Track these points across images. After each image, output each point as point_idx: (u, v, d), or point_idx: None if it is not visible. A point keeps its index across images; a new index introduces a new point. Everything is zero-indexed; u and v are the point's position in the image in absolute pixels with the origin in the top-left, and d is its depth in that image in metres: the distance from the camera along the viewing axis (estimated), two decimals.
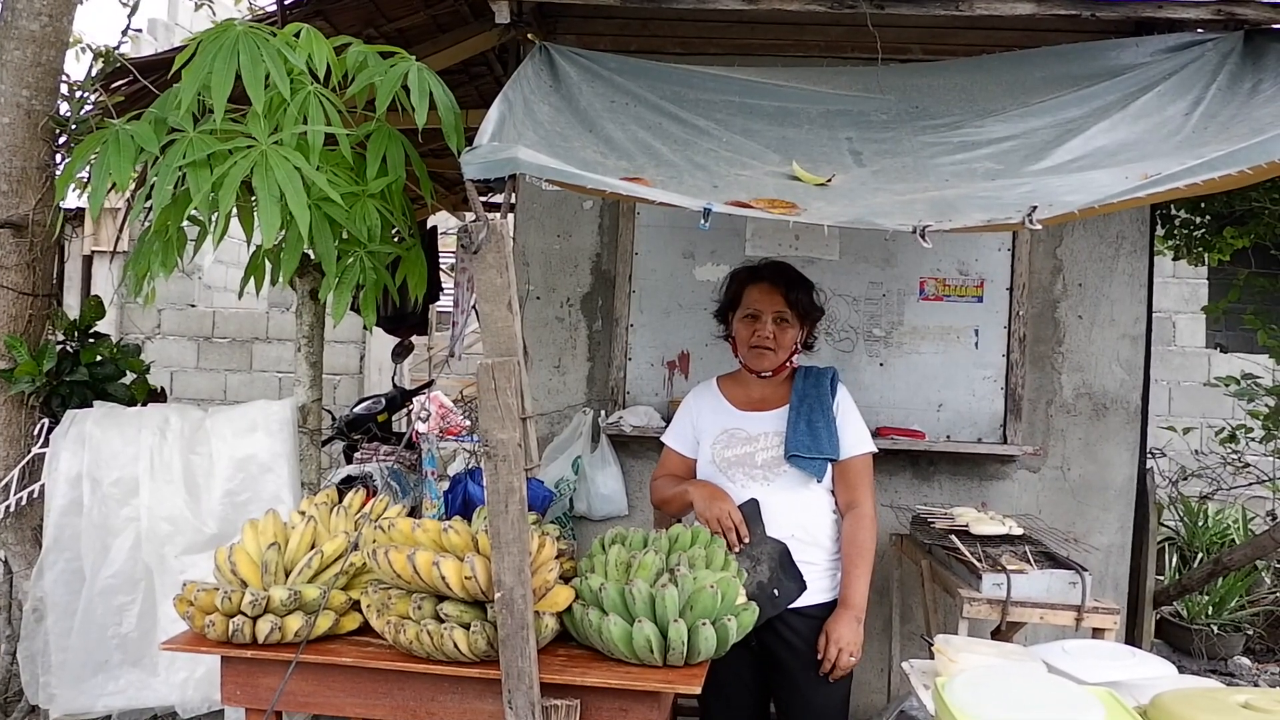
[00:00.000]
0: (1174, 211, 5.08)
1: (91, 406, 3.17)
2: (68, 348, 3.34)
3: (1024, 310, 3.88)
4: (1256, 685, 5.27)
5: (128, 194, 2.79)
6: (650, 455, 4.04)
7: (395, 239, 2.98)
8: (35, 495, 3.12)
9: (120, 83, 3.36)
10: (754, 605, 2.30)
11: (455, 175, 5.71)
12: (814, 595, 2.68)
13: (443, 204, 6.41)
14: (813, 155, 2.57)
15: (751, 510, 2.65)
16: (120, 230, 4.25)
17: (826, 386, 2.78)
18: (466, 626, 2.14)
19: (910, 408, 3.89)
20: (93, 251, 8.33)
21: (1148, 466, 4.06)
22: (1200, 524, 6.42)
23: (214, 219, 2.57)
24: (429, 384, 6.82)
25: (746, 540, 2.59)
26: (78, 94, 3.21)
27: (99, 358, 3.36)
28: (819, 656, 2.63)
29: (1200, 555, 6.16)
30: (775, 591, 2.58)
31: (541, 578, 2.20)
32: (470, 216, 2.04)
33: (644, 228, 3.99)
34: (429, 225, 6.79)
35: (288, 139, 2.47)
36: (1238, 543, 6.01)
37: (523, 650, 2.06)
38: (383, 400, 5.95)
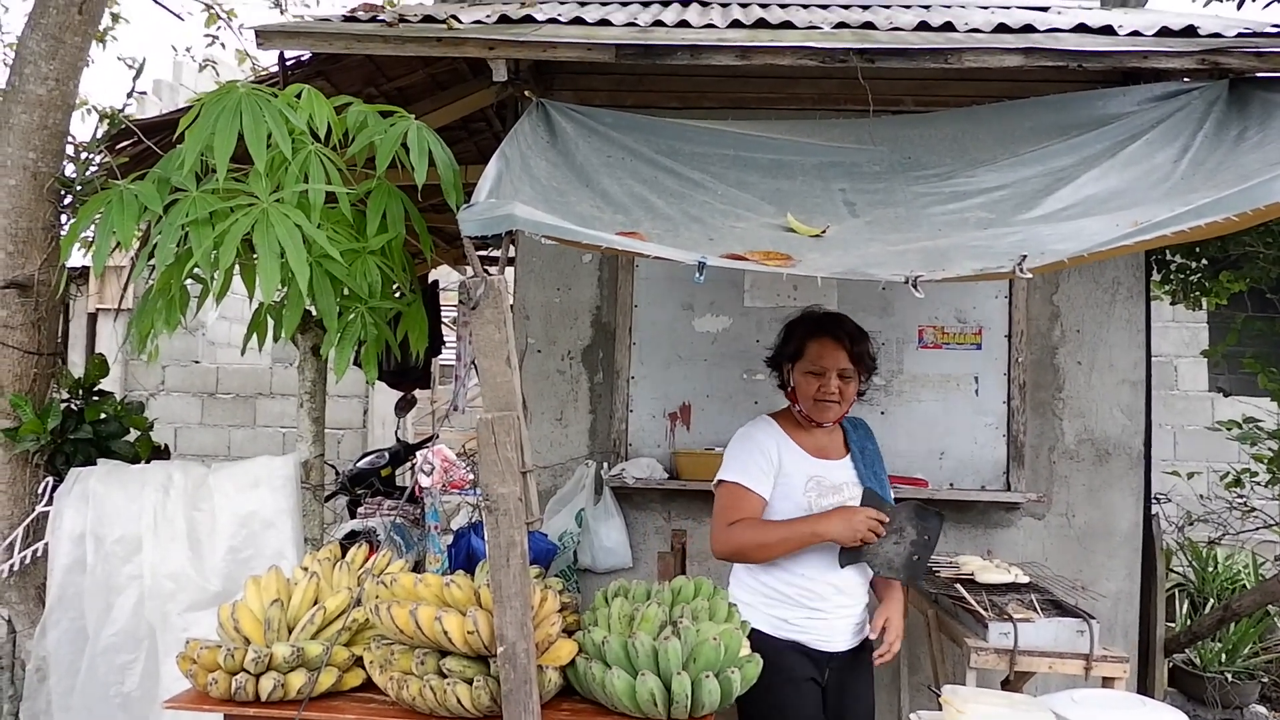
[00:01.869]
0: (1169, 256, 5.11)
1: (95, 464, 3.18)
2: (72, 406, 3.36)
3: (1023, 357, 3.90)
4: None
5: (132, 252, 2.83)
6: (652, 507, 4.03)
7: (396, 294, 3.01)
8: (39, 554, 3.12)
9: (125, 144, 3.42)
10: (757, 657, 2.29)
11: (455, 230, 5.74)
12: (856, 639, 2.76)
13: (443, 258, 6.47)
14: (807, 207, 2.60)
15: (869, 497, 2.67)
16: (124, 288, 4.30)
17: (870, 436, 2.88)
18: (469, 682, 2.13)
19: (912, 456, 3.89)
20: (97, 309, 8.39)
21: (1153, 512, 4.04)
22: (1210, 569, 6.37)
23: (215, 276, 2.60)
24: (432, 438, 6.82)
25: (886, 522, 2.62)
26: (83, 155, 3.27)
27: (103, 415, 3.38)
28: (872, 638, 2.72)
29: (1210, 601, 6.10)
30: (926, 538, 2.64)
31: (544, 631, 2.19)
32: (470, 272, 2.06)
33: (643, 280, 4.02)
34: (430, 280, 6.85)
35: (289, 197, 2.51)
36: (1248, 588, 5.95)
37: (526, 705, 2.05)
38: (386, 455, 5.95)
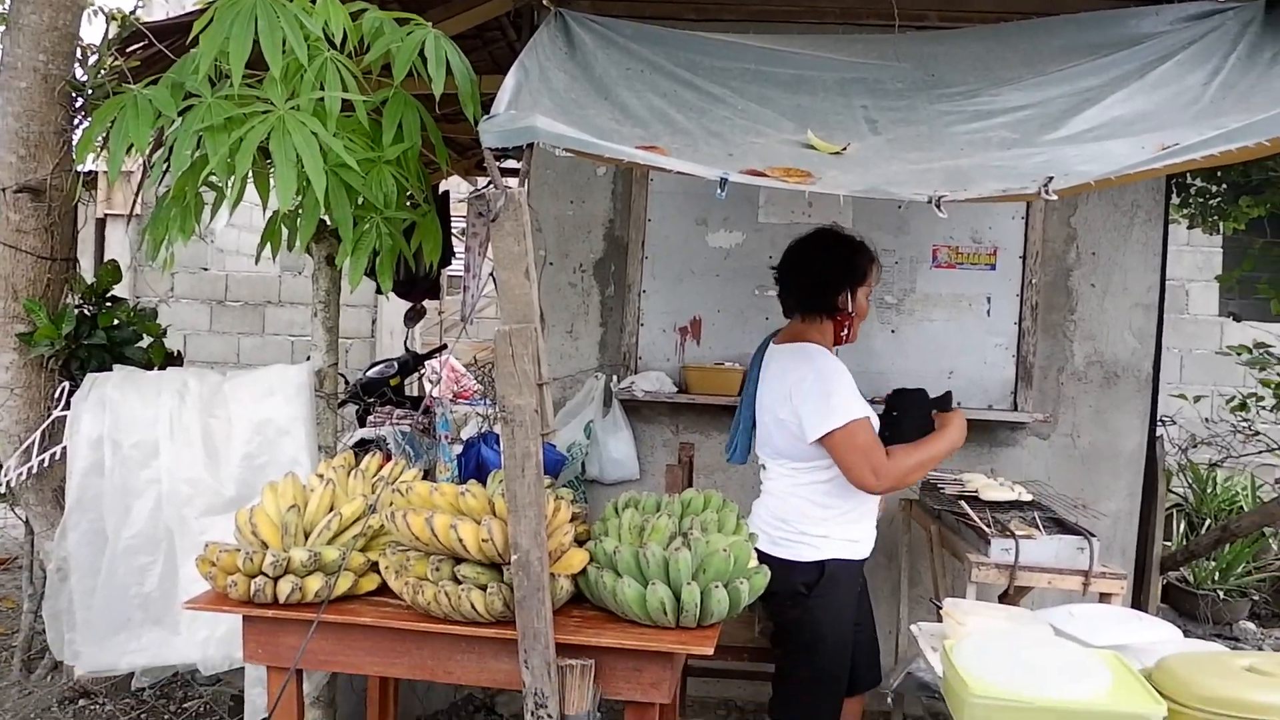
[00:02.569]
0: (1190, 180, 5.05)
1: (110, 370, 3.21)
2: (85, 311, 3.37)
3: (1037, 278, 3.88)
4: (1261, 649, 5.31)
5: (142, 157, 2.80)
6: (661, 420, 4.07)
7: (410, 205, 2.99)
8: (56, 457, 3.17)
9: (135, 47, 3.36)
10: (764, 568, 2.34)
11: (467, 140, 5.69)
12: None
13: (455, 169, 6.40)
14: (828, 123, 2.56)
15: (908, 397, 2.94)
16: (136, 194, 4.27)
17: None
18: (483, 588, 2.18)
19: (922, 375, 3.90)
20: (106, 215, 8.34)
21: (1158, 434, 4.08)
22: (1209, 491, 6.45)
23: (231, 183, 2.58)
24: (441, 348, 6.85)
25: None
26: (93, 58, 3.22)
27: (116, 321, 3.40)
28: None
29: (1208, 522, 6.19)
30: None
31: (557, 540, 2.24)
32: (483, 182, 2.05)
33: (657, 194, 3.99)
34: (440, 190, 6.79)
35: (305, 105, 2.48)
36: (1246, 510, 6.03)
37: (539, 611, 2.11)
38: (395, 364, 5.98)
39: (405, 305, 6.40)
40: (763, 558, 2.78)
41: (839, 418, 2.62)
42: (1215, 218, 5.16)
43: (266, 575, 2.27)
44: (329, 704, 3.09)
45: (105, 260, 3.88)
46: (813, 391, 2.66)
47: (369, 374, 5.99)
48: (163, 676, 3.41)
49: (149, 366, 3.41)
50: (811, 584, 2.75)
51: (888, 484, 2.65)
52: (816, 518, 2.76)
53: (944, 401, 2.91)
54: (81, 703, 3.82)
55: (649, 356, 4.05)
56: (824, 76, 2.85)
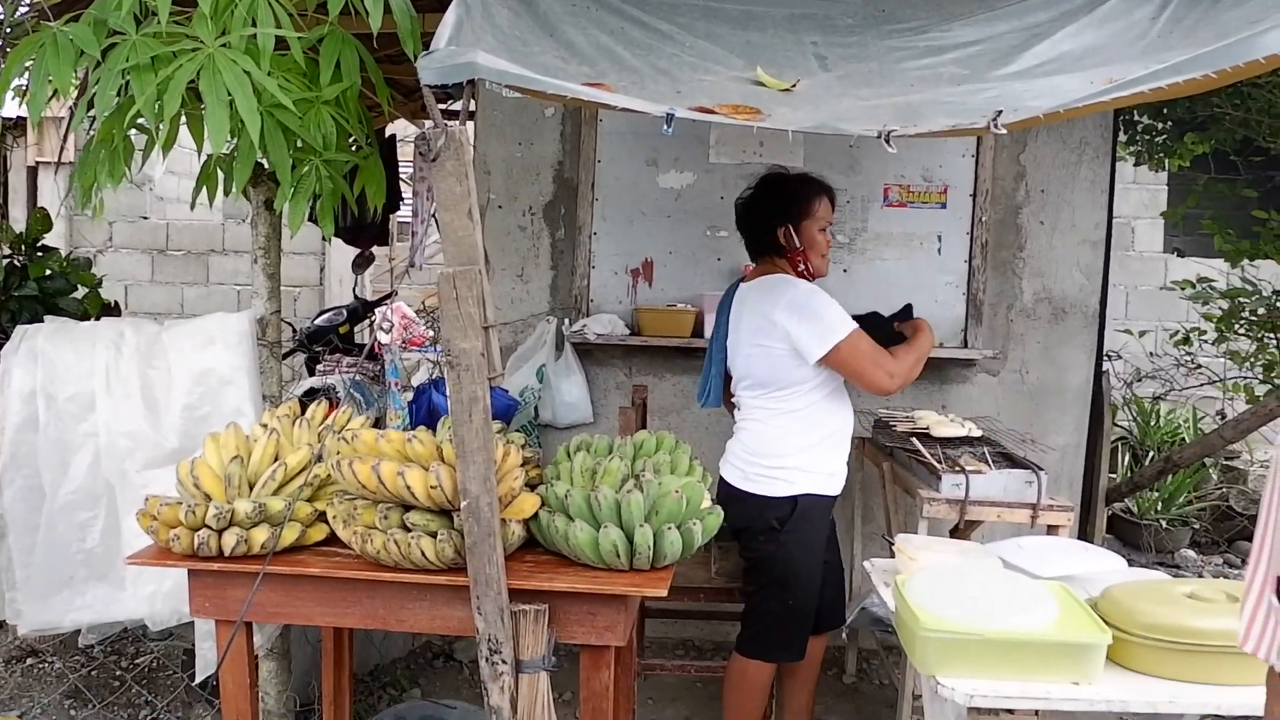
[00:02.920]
0: (1136, 117, 5.07)
1: (42, 321, 3.11)
2: (15, 262, 3.26)
3: (987, 216, 3.89)
4: (1201, 576, 5.47)
5: (70, 102, 2.69)
6: (614, 364, 4.05)
7: (352, 147, 2.90)
8: None
9: None
10: (718, 509, 2.34)
11: (413, 82, 5.53)
12: None
13: (401, 112, 6.23)
14: (777, 60, 2.52)
15: (879, 317, 3.14)
16: (64, 139, 4.12)
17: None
18: (433, 535, 2.16)
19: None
20: (37, 162, 8.05)
21: (1104, 369, 4.14)
22: (1153, 424, 6.59)
23: (161, 126, 2.48)
24: (391, 295, 6.74)
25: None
26: None
27: (48, 271, 3.30)
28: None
29: (1152, 454, 6.34)
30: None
31: (507, 485, 2.21)
32: (429, 124, 1.98)
33: (607, 135, 3.93)
34: (388, 134, 6.64)
35: (236, 42, 2.38)
36: (1188, 441, 6.18)
37: (490, 557, 2.09)
38: (344, 312, 5.89)
39: (353, 252, 6.29)
40: (736, 493, 2.87)
41: (839, 332, 2.74)
42: (1161, 155, 5.20)
43: (210, 528, 2.23)
44: (283, 655, 3.07)
45: (36, 209, 3.74)
46: (802, 313, 2.76)
47: (316, 322, 5.90)
48: (111, 633, 3.36)
49: (84, 318, 3.31)
50: (784, 519, 2.81)
51: (900, 380, 2.79)
52: (793, 447, 2.83)
53: (906, 313, 3.16)
54: (29, 661, 3.77)
55: (601, 299, 4.02)
56: (773, 13, 2.80)
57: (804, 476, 2.83)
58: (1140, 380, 6.90)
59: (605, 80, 2.27)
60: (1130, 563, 2.57)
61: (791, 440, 2.84)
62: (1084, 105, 1.92)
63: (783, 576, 2.85)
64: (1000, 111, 1.88)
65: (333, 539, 2.35)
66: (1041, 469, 3.03)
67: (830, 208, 2.94)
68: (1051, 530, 2.98)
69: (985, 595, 2.00)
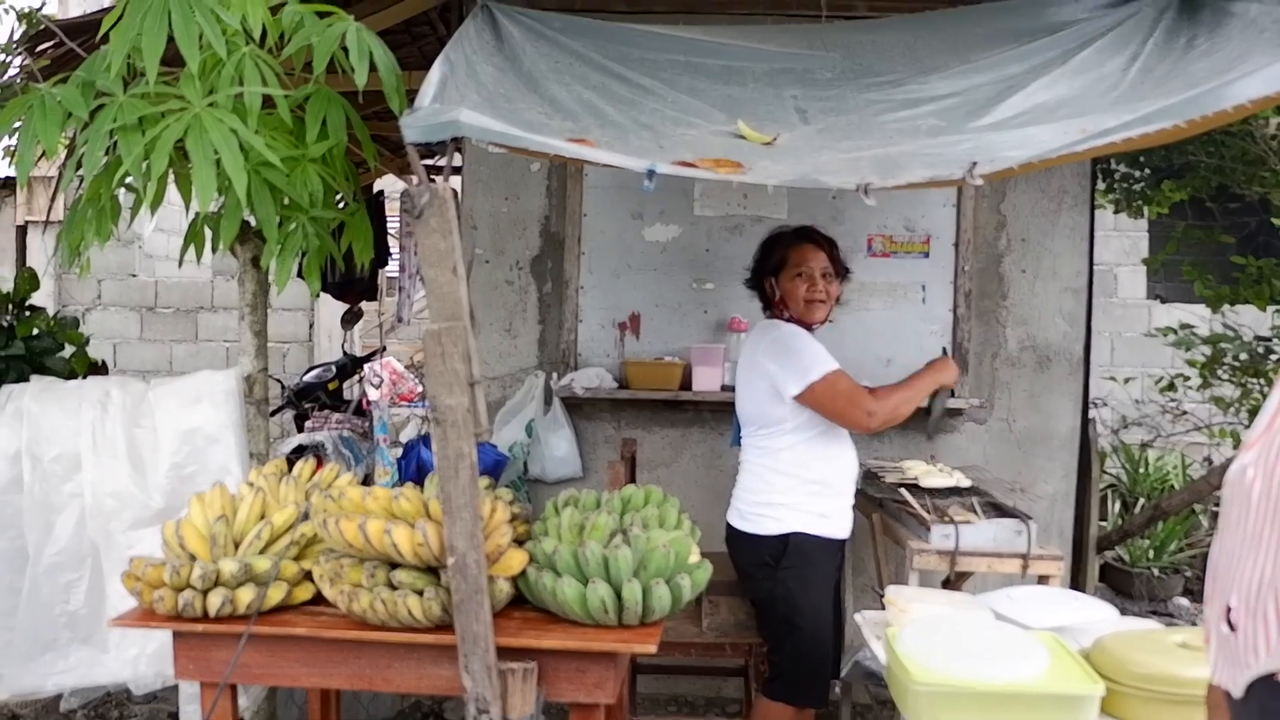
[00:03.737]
0: (1114, 165, 5.15)
1: (28, 381, 3.09)
2: (2, 322, 3.25)
3: (969, 265, 3.93)
4: (1194, 625, 5.44)
5: (59, 162, 2.70)
6: (602, 417, 4.05)
7: (339, 204, 2.92)
8: None
9: (46, 45, 3.24)
10: (706, 563, 2.32)
11: (400, 139, 5.60)
12: None
13: (388, 168, 6.30)
14: (758, 114, 2.56)
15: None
16: (53, 199, 4.14)
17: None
18: (420, 593, 2.14)
19: (859, 364, 3.90)
20: (26, 222, 8.07)
21: (1090, 416, 4.15)
22: (1141, 471, 6.60)
23: (148, 185, 2.50)
24: (380, 350, 6.75)
25: None
26: (1, 58, 3.10)
27: (35, 331, 3.29)
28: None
29: (1141, 501, 6.34)
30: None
31: (494, 542, 2.20)
32: (414, 180, 2.00)
33: (592, 189, 3.96)
34: (375, 190, 6.68)
35: (223, 101, 2.40)
36: (1177, 488, 6.18)
37: (477, 615, 2.07)
38: (333, 368, 5.89)
39: (342, 307, 6.30)
40: (735, 534, 2.94)
41: (817, 371, 2.79)
42: (1140, 202, 5.27)
43: (195, 588, 2.20)
44: (269, 717, 3.02)
45: (24, 268, 3.74)
46: (782, 352, 2.83)
47: (305, 379, 5.89)
48: (94, 697, 3.31)
49: (71, 377, 3.29)
50: (778, 556, 2.83)
51: (881, 418, 2.81)
52: (780, 487, 2.86)
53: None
54: None
55: (588, 353, 4.02)
56: (754, 67, 2.86)
57: (792, 514, 2.84)
58: (1127, 427, 6.92)
59: (588, 135, 2.30)
60: (1123, 612, 2.55)
61: (778, 479, 2.87)
62: (1058, 155, 1.95)
63: (786, 615, 2.85)
64: (975, 163, 1.91)
65: (320, 598, 2.33)
66: (1031, 518, 3.02)
67: (807, 254, 2.95)
68: (1043, 580, 2.96)
69: (976, 647, 1.98)
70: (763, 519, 2.87)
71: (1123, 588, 5.86)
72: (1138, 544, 5.84)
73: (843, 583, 3.10)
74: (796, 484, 2.86)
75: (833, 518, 2.91)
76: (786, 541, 2.84)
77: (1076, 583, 4.04)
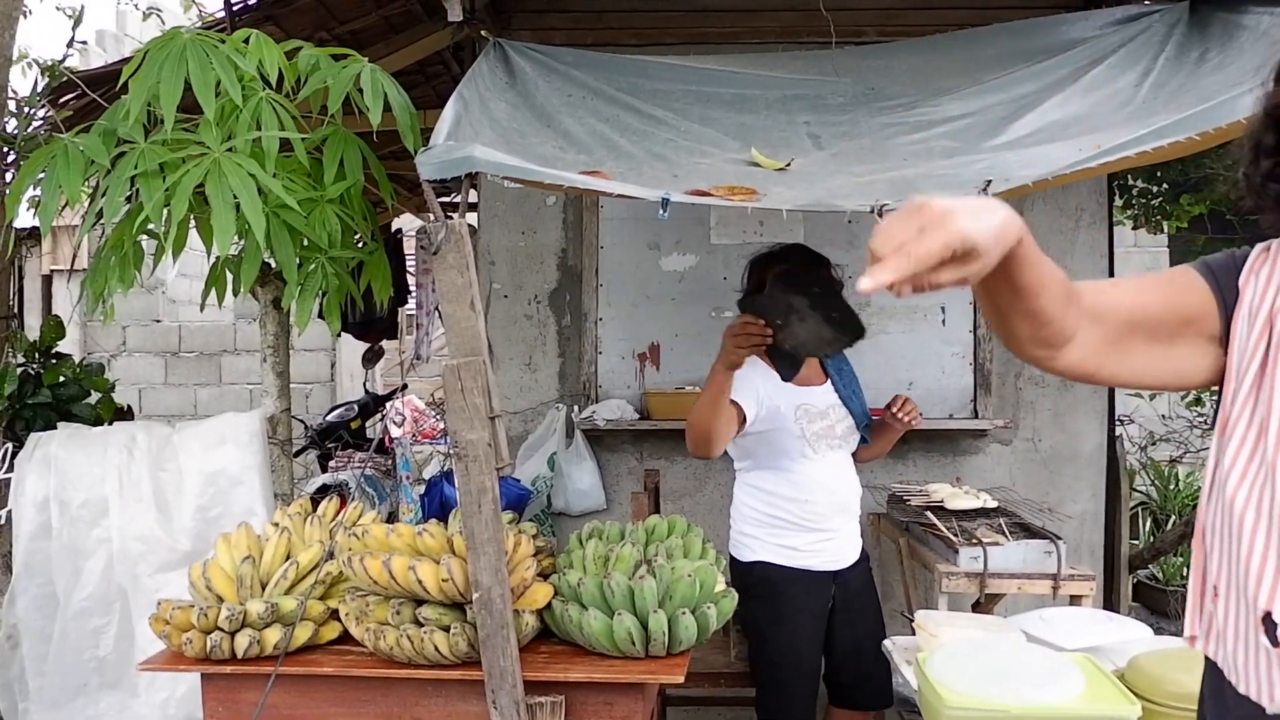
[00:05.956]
0: (1131, 181, 5.12)
1: (55, 428, 3.13)
2: (29, 370, 3.29)
3: None
4: None
5: (83, 210, 2.75)
6: (625, 449, 4.04)
7: (357, 244, 2.95)
8: (2, 521, 3.07)
9: (68, 97, 3.30)
10: (732, 591, 2.30)
11: (416, 177, 5.66)
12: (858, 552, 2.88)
13: (405, 206, 6.36)
14: (771, 140, 2.57)
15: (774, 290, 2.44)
16: (77, 247, 4.19)
17: (844, 358, 2.95)
18: (446, 629, 2.13)
19: (880, 387, 3.89)
20: (51, 270, 8.20)
21: (1116, 433, 4.11)
22: (1171, 487, 6.51)
23: (169, 230, 2.53)
24: (401, 388, 6.77)
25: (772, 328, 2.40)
26: (25, 110, 3.15)
27: (62, 378, 3.32)
28: (898, 406, 2.81)
29: (1172, 518, 6.24)
30: (819, 290, 2.36)
31: (519, 576, 2.19)
32: (431, 218, 2.02)
33: (608, 221, 3.98)
34: (393, 229, 6.74)
35: (241, 146, 2.44)
36: None
37: (504, 649, 2.06)
38: (355, 407, 5.91)
39: (363, 347, 6.34)
40: (730, 560, 2.86)
41: None
42: (1158, 217, 5.23)
43: (222, 630, 2.21)
44: None
45: (50, 316, 3.79)
46: None
47: (328, 418, 5.91)
48: None
49: (98, 423, 3.32)
50: (749, 584, 2.75)
51: (690, 441, 2.62)
52: (741, 515, 2.86)
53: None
54: None
55: (609, 384, 4.02)
56: (766, 94, 2.87)
57: (758, 544, 2.79)
58: (1155, 444, 6.83)
59: (602, 167, 2.31)
60: (1158, 631, 2.51)
61: (740, 509, 2.86)
62: (1073, 172, 1.95)
63: (756, 641, 2.82)
64: (990, 181, 1.91)
65: (346, 637, 2.33)
66: (1060, 538, 2.99)
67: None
68: (1074, 600, 2.92)
69: (1009, 670, 1.95)
70: (738, 545, 2.85)
71: (1157, 606, 5.77)
72: (1171, 561, 5.75)
73: (861, 612, 2.91)
74: (761, 516, 2.80)
75: (805, 551, 2.77)
76: (752, 569, 2.78)
77: (1109, 602, 3.99)
